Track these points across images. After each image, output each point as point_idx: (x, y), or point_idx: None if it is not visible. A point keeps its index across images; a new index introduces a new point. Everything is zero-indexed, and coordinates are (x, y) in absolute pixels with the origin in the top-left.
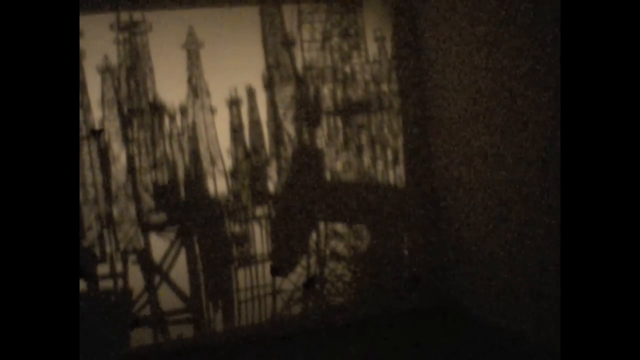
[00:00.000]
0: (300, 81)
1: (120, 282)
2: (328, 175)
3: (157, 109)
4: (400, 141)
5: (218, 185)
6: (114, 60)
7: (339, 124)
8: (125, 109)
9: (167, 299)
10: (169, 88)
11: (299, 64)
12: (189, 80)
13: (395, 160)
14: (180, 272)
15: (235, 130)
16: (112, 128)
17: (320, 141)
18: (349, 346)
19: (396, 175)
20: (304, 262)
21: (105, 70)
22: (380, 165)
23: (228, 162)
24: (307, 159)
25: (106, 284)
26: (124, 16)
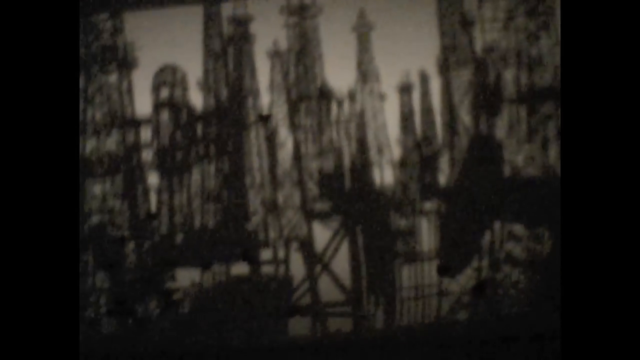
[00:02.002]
0: (479, 65)
1: (281, 269)
2: (507, 170)
3: (325, 94)
4: None
5: (385, 175)
6: (283, 44)
7: (522, 113)
8: (293, 95)
9: (328, 291)
10: (338, 73)
11: (478, 46)
12: (359, 65)
13: None
14: (341, 263)
15: (406, 118)
16: (280, 114)
17: (500, 132)
18: None
19: None
20: (475, 264)
21: (275, 55)
22: None
23: (396, 152)
24: (484, 151)
25: (268, 270)
26: None
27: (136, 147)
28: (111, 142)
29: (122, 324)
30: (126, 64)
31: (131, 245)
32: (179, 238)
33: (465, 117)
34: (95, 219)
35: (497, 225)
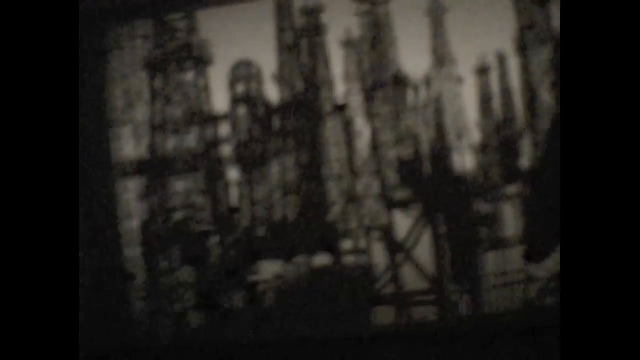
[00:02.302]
0: (558, 43)
1: (363, 259)
2: None
3: (401, 81)
4: None
5: (465, 160)
6: (356, 33)
7: None
8: (368, 83)
9: (411, 279)
10: (413, 59)
11: (557, 24)
12: (434, 49)
13: None
14: (424, 251)
15: (484, 101)
16: (356, 103)
17: None
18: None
19: None
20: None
21: (348, 44)
22: None
23: (476, 136)
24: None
25: (350, 260)
26: None
27: (215, 142)
28: (191, 139)
29: (208, 317)
30: (202, 62)
31: (214, 239)
32: (261, 231)
33: (546, 97)
34: (179, 215)
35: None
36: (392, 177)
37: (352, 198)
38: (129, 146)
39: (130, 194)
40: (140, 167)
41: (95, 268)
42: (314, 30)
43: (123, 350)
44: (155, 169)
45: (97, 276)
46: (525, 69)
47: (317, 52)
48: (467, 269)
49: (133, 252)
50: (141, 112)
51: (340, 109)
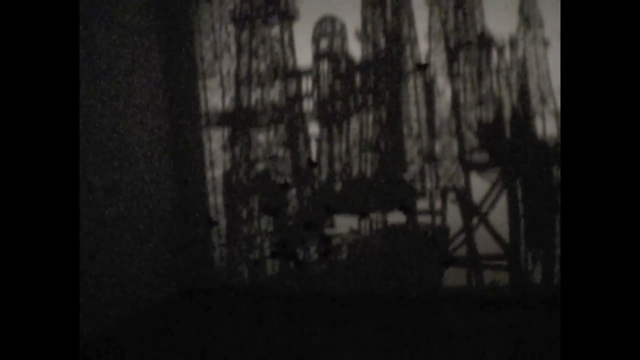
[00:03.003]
0: None
1: (438, 219)
2: None
3: (485, 41)
4: None
5: (547, 126)
6: None
7: None
8: (452, 42)
9: (485, 243)
10: (499, 19)
11: None
12: (521, 10)
13: None
14: (500, 216)
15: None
16: (438, 62)
17: None
18: None
19: None
20: None
21: (434, 2)
22: None
23: (560, 101)
24: None
25: (424, 220)
26: None
27: (298, 97)
28: (274, 93)
29: (283, 266)
30: (287, 16)
31: (293, 192)
32: (338, 186)
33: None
34: (260, 167)
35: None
36: (472, 139)
37: (429, 158)
38: (216, 97)
39: (215, 144)
40: (225, 118)
41: (181, 212)
42: None
43: (203, 289)
44: (239, 120)
45: (183, 220)
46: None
47: (401, 9)
48: (542, 237)
49: (216, 200)
50: (227, 65)
51: (423, 67)
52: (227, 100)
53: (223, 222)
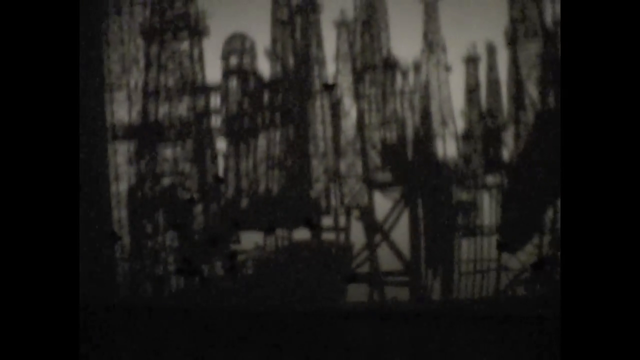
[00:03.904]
0: (548, 37)
1: (342, 236)
2: None
3: (391, 65)
4: None
5: (448, 147)
6: (350, 14)
7: None
8: (358, 64)
9: (387, 260)
10: (404, 43)
11: (549, 18)
12: (425, 36)
13: None
14: (401, 233)
15: (471, 90)
16: (345, 83)
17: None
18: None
19: None
20: (536, 240)
21: (341, 25)
22: None
23: (460, 124)
24: (551, 126)
25: (329, 236)
26: None
27: (206, 113)
28: (182, 108)
29: (187, 282)
30: (197, 32)
31: (199, 207)
32: (245, 202)
33: (532, 90)
34: (166, 181)
35: (559, 202)
36: (375, 158)
37: (334, 176)
38: (122, 110)
39: (121, 157)
40: (132, 132)
41: (84, 227)
42: (309, 8)
43: (105, 306)
44: (146, 134)
45: (86, 235)
46: (514, 62)
47: (311, 30)
48: (442, 254)
49: (120, 214)
50: (136, 78)
51: (330, 88)
52: (134, 114)
53: (127, 237)
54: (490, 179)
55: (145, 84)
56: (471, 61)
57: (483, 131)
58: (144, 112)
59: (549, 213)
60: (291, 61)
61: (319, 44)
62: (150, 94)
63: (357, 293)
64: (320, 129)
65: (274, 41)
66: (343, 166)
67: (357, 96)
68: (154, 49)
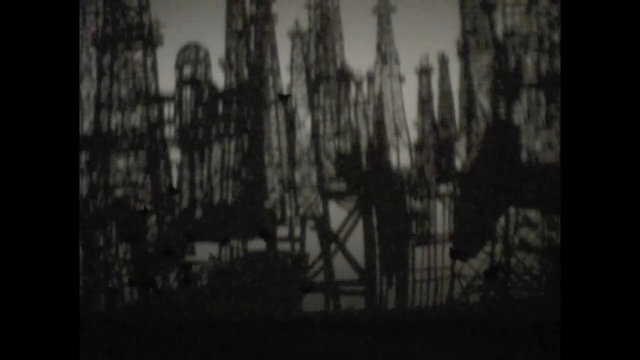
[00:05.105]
0: (499, 49)
1: (297, 246)
2: (524, 156)
3: (345, 75)
4: None
5: (401, 157)
6: (304, 25)
7: (542, 99)
8: (312, 75)
9: (342, 269)
10: (358, 54)
11: (499, 30)
12: (378, 47)
13: None
14: (356, 243)
15: (424, 101)
16: (299, 93)
17: (518, 117)
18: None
19: None
20: (488, 248)
21: (296, 35)
22: None
23: (413, 134)
24: (502, 136)
25: (284, 246)
26: None
27: (159, 123)
28: (135, 118)
29: (142, 294)
30: (151, 42)
31: (153, 218)
32: (199, 213)
33: (484, 101)
34: (119, 192)
35: (512, 210)
36: (330, 168)
37: (289, 186)
38: None
39: None
40: (84, 142)
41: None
42: (264, 18)
43: None
44: (98, 145)
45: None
46: (465, 73)
47: (265, 41)
48: (396, 263)
49: None
50: (87, 88)
51: (284, 98)
52: (86, 124)
53: (79, 250)
54: (443, 188)
55: (98, 93)
56: (424, 72)
57: (436, 141)
58: (96, 122)
59: (501, 221)
60: (245, 71)
61: (274, 55)
62: (102, 103)
63: (312, 303)
64: (275, 139)
65: (228, 51)
66: (298, 176)
67: (312, 106)
68: (107, 59)
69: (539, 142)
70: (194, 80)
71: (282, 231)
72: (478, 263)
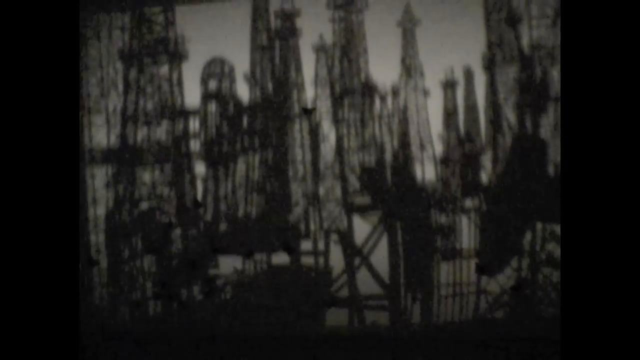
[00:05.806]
0: (525, 62)
1: (321, 260)
2: (551, 170)
3: (369, 89)
4: None
5: (426, 171)
6: (329, 39)
7: None
8: (337, 89)
9: (366, 283)
10: (382, 68)
11: (525, 43)
12: (403, 60)
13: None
14: (380, 257)
15: (449, 115)
16: (324, 107)
17: (545, 131)
18: None
19: None
20: (514, 263)
21: (320, 49)
22: None
23: (439, 148)
24: (528, 150)
25: (308, 260)
26: None
27: (185, 137)
28: (161, 132)
29: (166, 307)
30: (177, 56)
31: (177, 231)
32: (223, 226)
33: (510, 115)
34: (144, 205)
35: (538, 225)
36: (354, 182)
37: (313, 200)
38: (101, 134)
39: (98, 181)
40: (110, 156)
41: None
42: (288, 33)
43: (83, 331)
44: (124, 158)
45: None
46: (491, 86)
47: (290, 55)
48: (421, 278)
49: (98, 239)
50: (114, 102)
51: (308, 112)
52: (113, 138)
53: (104, 262)
54: (469, 203)
55: (124, 107)
56: (449, 85)
57: (461, 155)
58: (123, 135)
59: (527, 236)
60: (270, 85)
61: (298, 69)
62: (128, 117)
63: (336, 317)
64: (299, 152)
65: (253, 65)
66: (322, 190)
67: (336, 120)
68: (133, 73)
69: None
70: (219, 95)
71: (306, 245)
72: (504, 279)
